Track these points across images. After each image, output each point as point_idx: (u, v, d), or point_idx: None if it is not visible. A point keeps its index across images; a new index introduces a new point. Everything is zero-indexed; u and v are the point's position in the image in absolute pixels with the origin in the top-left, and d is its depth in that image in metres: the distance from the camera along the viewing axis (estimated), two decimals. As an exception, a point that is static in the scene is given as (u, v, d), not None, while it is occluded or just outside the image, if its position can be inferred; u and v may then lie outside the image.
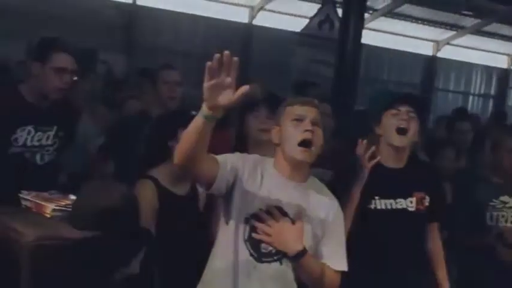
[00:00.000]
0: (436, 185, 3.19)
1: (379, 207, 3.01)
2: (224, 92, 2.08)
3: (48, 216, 2.59)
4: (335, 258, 2.51)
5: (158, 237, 2.90)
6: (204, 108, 2.13)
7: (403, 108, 3.02)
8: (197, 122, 2.16)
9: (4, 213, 2.56)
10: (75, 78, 3.33)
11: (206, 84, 2.07)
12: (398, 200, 3.03)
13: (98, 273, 2.34)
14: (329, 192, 2.60)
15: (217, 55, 2.04)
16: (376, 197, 3.01)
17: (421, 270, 3.09)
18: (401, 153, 3.07)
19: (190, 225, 3.04)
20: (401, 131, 3.00)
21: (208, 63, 2.04)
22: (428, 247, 3.18)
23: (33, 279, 2.27)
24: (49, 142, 3.36)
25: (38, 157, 3.33)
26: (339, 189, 2.72)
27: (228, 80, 2.06)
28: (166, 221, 2.97)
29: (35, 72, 3.27)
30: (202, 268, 2.54)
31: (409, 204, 3.04)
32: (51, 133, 3.36)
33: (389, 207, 3.02)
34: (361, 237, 2.81)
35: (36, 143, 3.30)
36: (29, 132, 3.27)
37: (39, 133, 3.31)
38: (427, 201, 3.07)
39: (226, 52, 2.04)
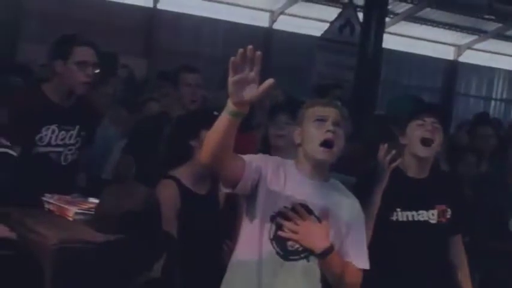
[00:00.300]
0: (458, 197, 3.16)
1: (400, 219, 2.99)
2: (248, 87, 2.09)
3: (70, 219, 2.60)
4: (357, 257, 2.52)
5: (179, 236, 2.90)
6: (230, 104, 2.13)
7: (428, 119, 3.00)
8: (223, 119, 2.16)
9: (27, 216, 2.58)
10: (98, 70, 3.35)
11: (230, 80, 2.07)
12: (420, 212, 3.00)
13: (120, 277, 2.35)
14: (350, 193, 2.61)
15: (240, 50, 2.04)
16: (398, 209, 2.98)
17: (442, 282, 3.06)
18: (424, 164, 3.05)
19: (211, 225, 3.05)
20: (426, 142, 2.98)
21: (232, 58, 2.05)
22: (452, 260, 3.13)
23: (55, 282, 2.28)
24: (72, 141, 3.39)
25: (62, 158, 3.36)
26: (362, 193, 2.73)
27: (252, 74, 2.07)
28: (188, 220, 2.98)
29: (58, 70, 3.29)
30: (223, 268, 2.55)
31: (431, 216, 3.01)
32: (74, 132, 3.40)
33: (410, 218, 2.99)
34: (381, 248, 2.79)
35: (60, 142, 3.33)
36: (53, 131, 3.30)
37: (62, 132, 3.34)
38: (448, 214, 3.04)
39: (250, 46, 2.05)
